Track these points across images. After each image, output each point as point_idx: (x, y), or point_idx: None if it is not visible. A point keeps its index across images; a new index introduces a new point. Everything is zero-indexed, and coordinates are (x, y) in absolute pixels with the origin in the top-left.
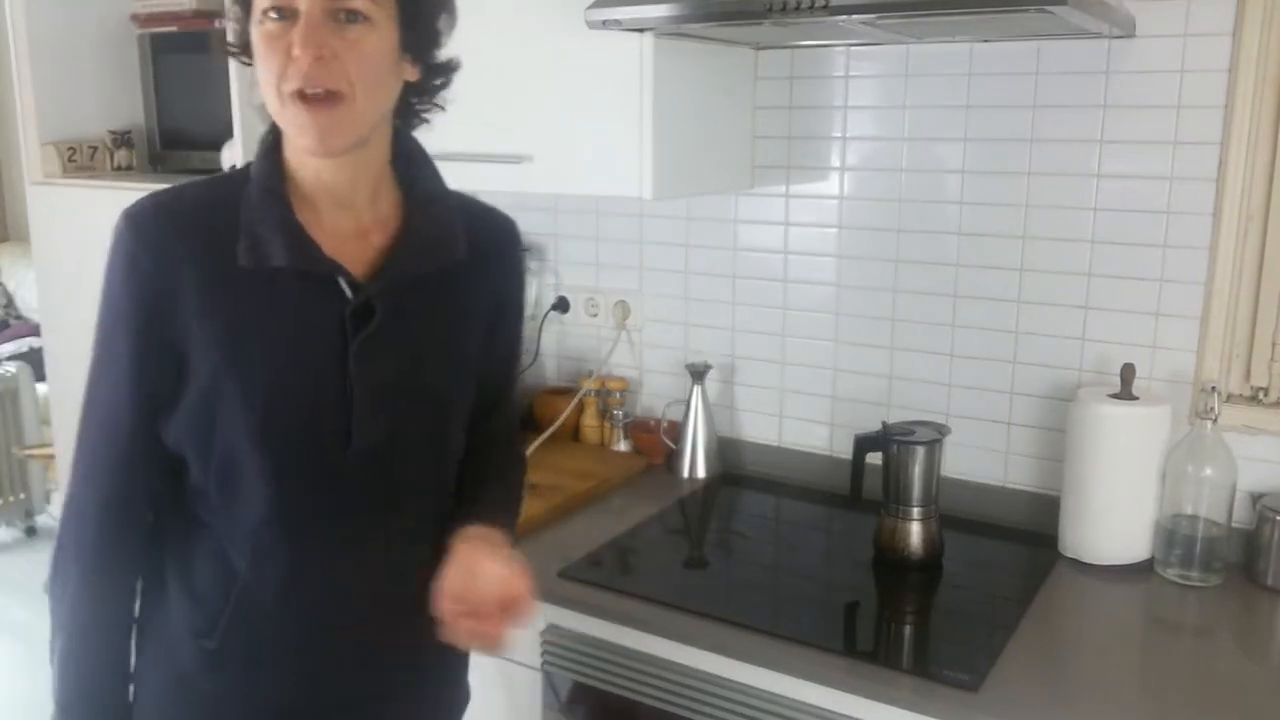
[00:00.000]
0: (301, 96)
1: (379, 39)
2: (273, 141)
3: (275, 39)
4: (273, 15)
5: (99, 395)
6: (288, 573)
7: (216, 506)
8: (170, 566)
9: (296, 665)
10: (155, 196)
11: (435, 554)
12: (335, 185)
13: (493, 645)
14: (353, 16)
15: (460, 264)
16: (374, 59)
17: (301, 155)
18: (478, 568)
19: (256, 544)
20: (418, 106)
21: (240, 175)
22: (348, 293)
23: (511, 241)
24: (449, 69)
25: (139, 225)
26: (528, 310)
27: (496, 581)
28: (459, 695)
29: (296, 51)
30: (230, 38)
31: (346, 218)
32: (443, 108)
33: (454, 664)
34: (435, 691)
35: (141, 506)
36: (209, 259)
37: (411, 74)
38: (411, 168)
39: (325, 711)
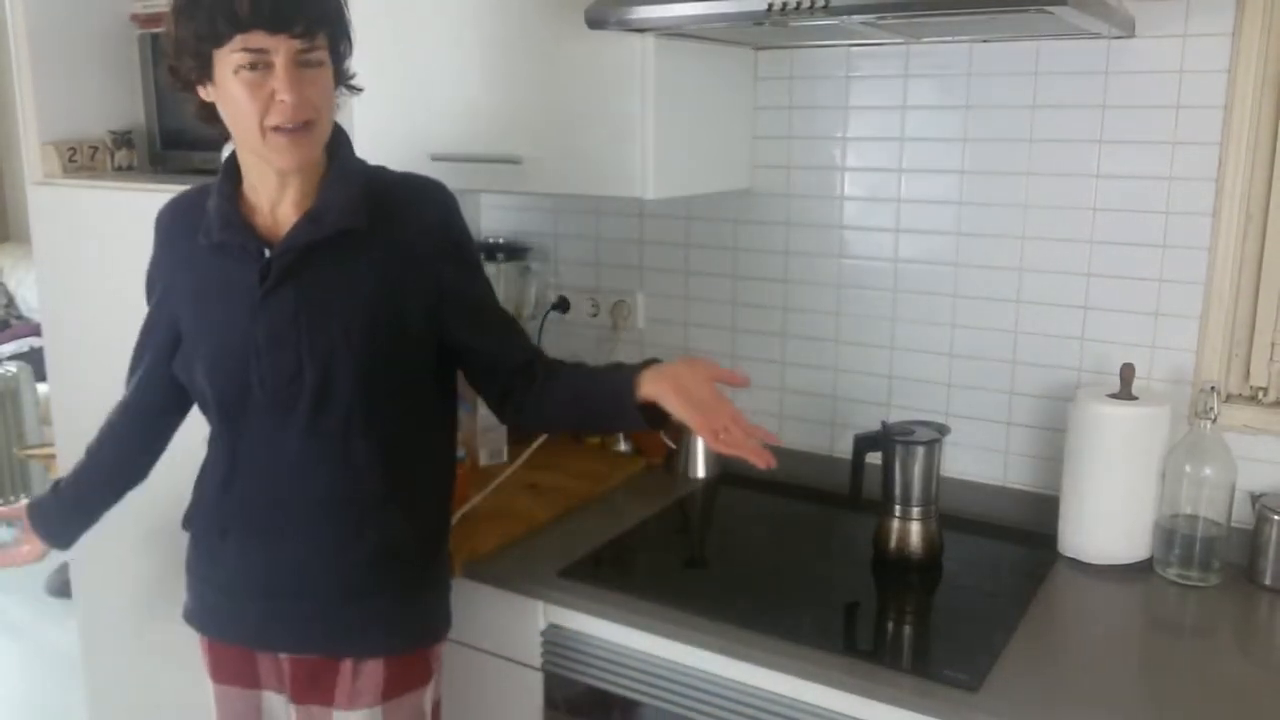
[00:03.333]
0: (282, 129)
1: (327, 74)
2: (231, 157)
3: (257, 86)
4: (248, 69)
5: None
6: (226, 473)
7: (209, 423)
8: None
9: (237, 554)
10: (174, 196)
11: (354, 477)
12: (274, 190)
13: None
14: (311, 62)
15: (363, 230)
16: (328, 90)
17: (249, 167)
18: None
19: (210, 451)
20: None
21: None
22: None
23: (421, 201)
24: (349, 79)
25: (157, 218)
26: (526, 309)
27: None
28: (380, 617)
29: (283, 97)
30: (172, 75)
31: (280, 208)
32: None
33: (359, 582)
34: (339, 603)
35: (149, 414)
36: (189, 242)
37: (337, 92)
38: (337, 150)
39: (248, 596)
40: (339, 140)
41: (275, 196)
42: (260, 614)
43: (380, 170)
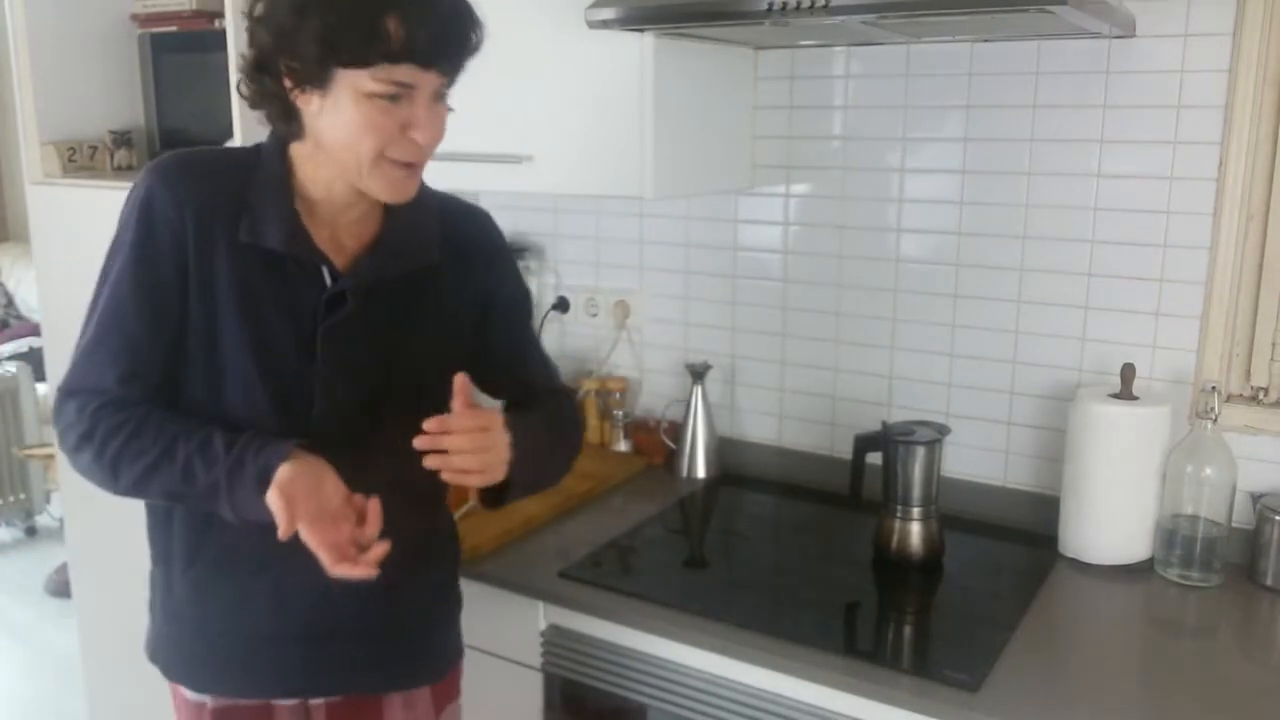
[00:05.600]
0: (403, 164)
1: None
2: (282, 151)
3: (388, 114)
4: (385, 98)
5: (99, 310)
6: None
7: None
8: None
9: (268, 595)
10: (177, 154)
11: (415, 505)
12: (341, 201)
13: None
14: (444, 96)
15: (436, 265)
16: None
17: (318, 178)
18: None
19: None
20: None
21: (251, 155)
22: (328, 281)
23: (488, 241)
24: None
25: (163, 170)
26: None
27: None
28: (431, 648)
29: (417, 136)
30: (259, 70)
31: (339, 217)
32: None
33: (416, 616)
34: (397, 639)
35: (130, 395)
36: (215, 225)
37: None
38: (424, 188)
39: (288, 641)
40: None
41: (338, 212)
42: (299, 659)
43: (437, 193)
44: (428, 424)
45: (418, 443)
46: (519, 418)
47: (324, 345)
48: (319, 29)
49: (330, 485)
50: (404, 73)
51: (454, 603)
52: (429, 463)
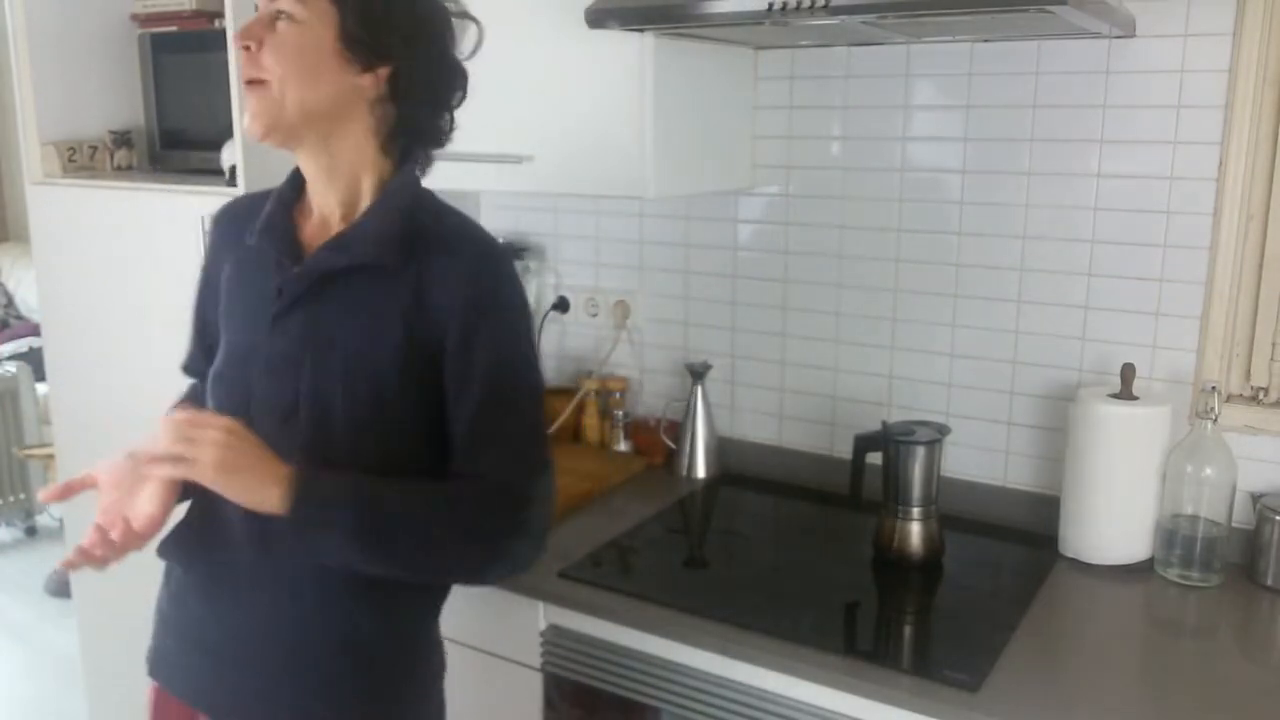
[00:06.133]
0: (244, 82)
1: (299, 35)
2: None
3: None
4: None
5: None
6: (203, 510)
7: None
8: None
9: (198, 601)
10: (236, 197)
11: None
12: (310, 180)
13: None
14: (280, 15)
15: (395, 269)
16: (293, 53)
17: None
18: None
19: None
20: (411, 141)
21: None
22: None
23: (460, 251)
24: (439, 109)
25: (213, 218)
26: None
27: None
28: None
29: (237, 38)
30: None
31: (332, 213)
32: (440, 144)
33: (331, 657)
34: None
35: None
36: (240, 244)
37: (369, 82)
38: (396, 175)
39: (211, 650)
40: (392, 162)
41: (320, 201)
42: (207, 672)
43: (443, 211)
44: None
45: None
46: (346, 481)
47: (269, 341)
48: None
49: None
50: None
51: (387, 673)
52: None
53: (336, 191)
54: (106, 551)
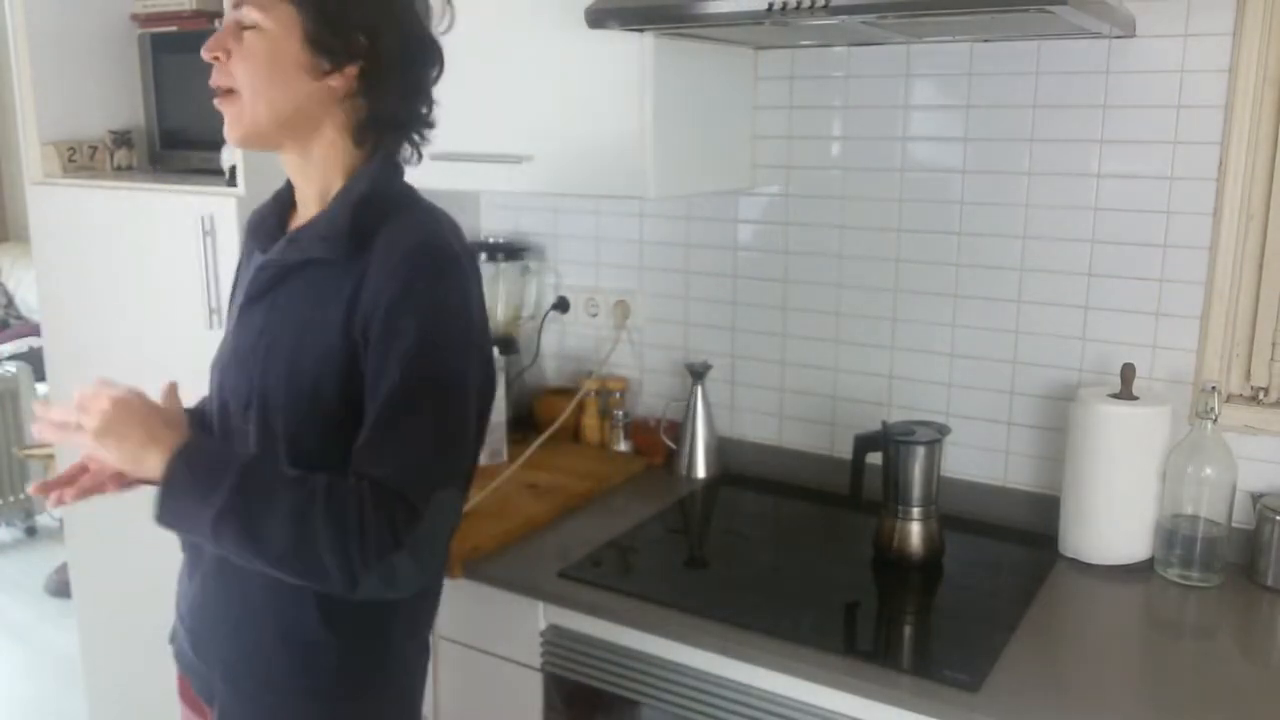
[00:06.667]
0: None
1: (265, 43)
2: None
3: None
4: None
5: None
6: None
7: None
8: None
9: (183, 578)
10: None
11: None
12: (292, 178)
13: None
14: (245, 23)
15: (340, 262)
16: (260, 62)
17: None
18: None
19: None
20: (382, 131)
21: None
22: None
23: (396, 241)
24: (410, 96)
25: (246, 224)
26: (526, 309)
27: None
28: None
29: (205, 50)
30: None
31: (306, 209)
32: (417, 148)
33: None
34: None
35: None
36: (254, 243)
37: (338, 81)
38: (362, 169)
39: (183, 628)
40: (364, 154)
41: (302, 197)
42: (187, 644)
43: (399, 205)
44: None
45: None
46: (222, 451)
47: (234, 334)
48: None
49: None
50: (228, 3)
51: (331, 675)
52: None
53: (314, 187)
54: (71, 487)
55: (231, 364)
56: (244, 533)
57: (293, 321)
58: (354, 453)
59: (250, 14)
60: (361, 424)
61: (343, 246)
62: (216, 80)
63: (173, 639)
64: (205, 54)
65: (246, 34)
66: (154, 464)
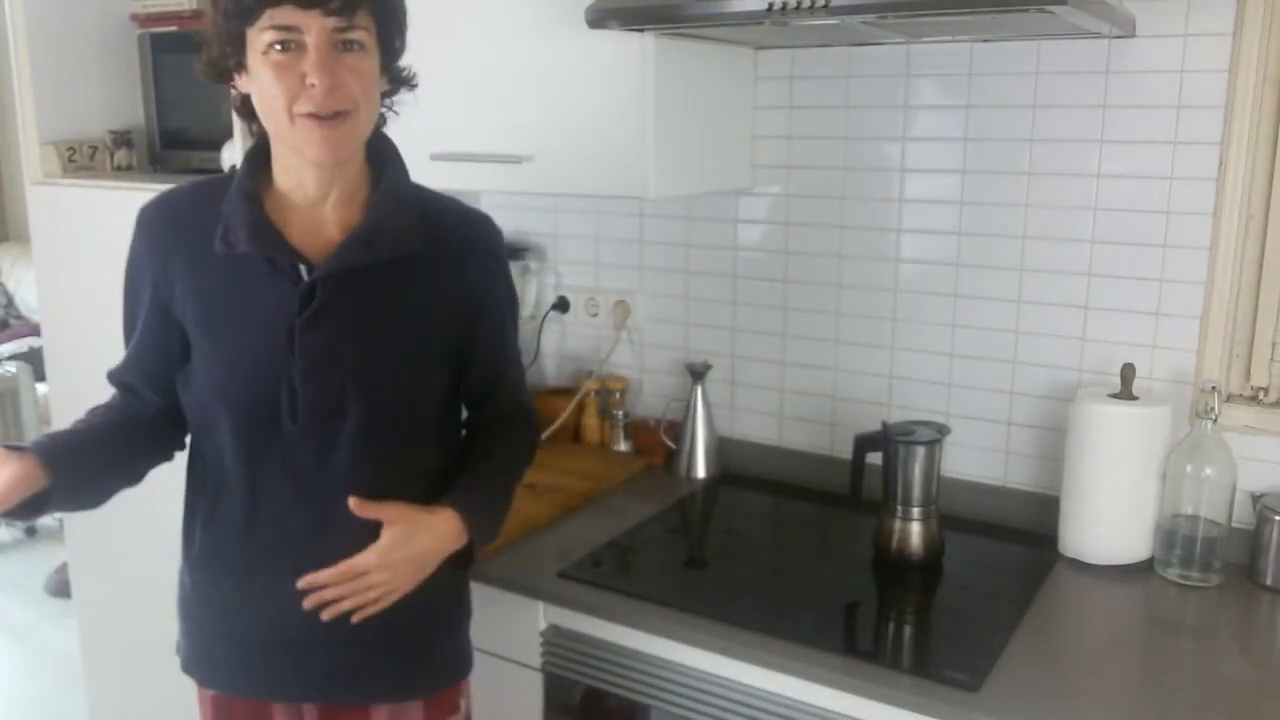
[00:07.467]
0: (314, 117)
1: (371, 61)
2: (259, 153)
3: (285, 69)
4: (278, 48)
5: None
6: (248, 511)
7: (204, 452)
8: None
9: (257, 600)
10: (160, 194)
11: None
12: (314, 189)
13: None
14: (351, 45)
15: (419, 256)
16: (370, 79)
17: (287, 164)
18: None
19: (211, 487)
20: (380, 109)
21: (229, 177)
22: (304, 276)
23: (479, 240)
24: (405, 78)
25: (143, 217)
26: (526, 309)
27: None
28: (426, 662)
29: (313, 81)
30: (207, 63)
31: (319, 214)
32: (395, 112)
33: (407, 627)
34: (385, 651)
35: (131, 413)
36: (195, 244)
37: (384, 84)
38: (384, 167)
39: (275, 646)
40: (386, 152)
41: (315, 198)
42: (288, 665)
43: (428, 191)
44: (326, 574)
45: (302, 584)
46: (472, 488)
47: (300, 341)
48: (218, 1)
49: None
50: (285, 15)
51: (455, 616)
52: (310, 603)
53: (339, 189)
54: None
55: (301, 378)
56: (505, 512)
57: (388, 317)
58: (508, 387)
59: (360, 35)
60: (452, 391)
61: (422, 238)
62: (337, 104)
63: (216, 676)
64: (325, 78)
65: (350, 56)
66: (452, 547)
